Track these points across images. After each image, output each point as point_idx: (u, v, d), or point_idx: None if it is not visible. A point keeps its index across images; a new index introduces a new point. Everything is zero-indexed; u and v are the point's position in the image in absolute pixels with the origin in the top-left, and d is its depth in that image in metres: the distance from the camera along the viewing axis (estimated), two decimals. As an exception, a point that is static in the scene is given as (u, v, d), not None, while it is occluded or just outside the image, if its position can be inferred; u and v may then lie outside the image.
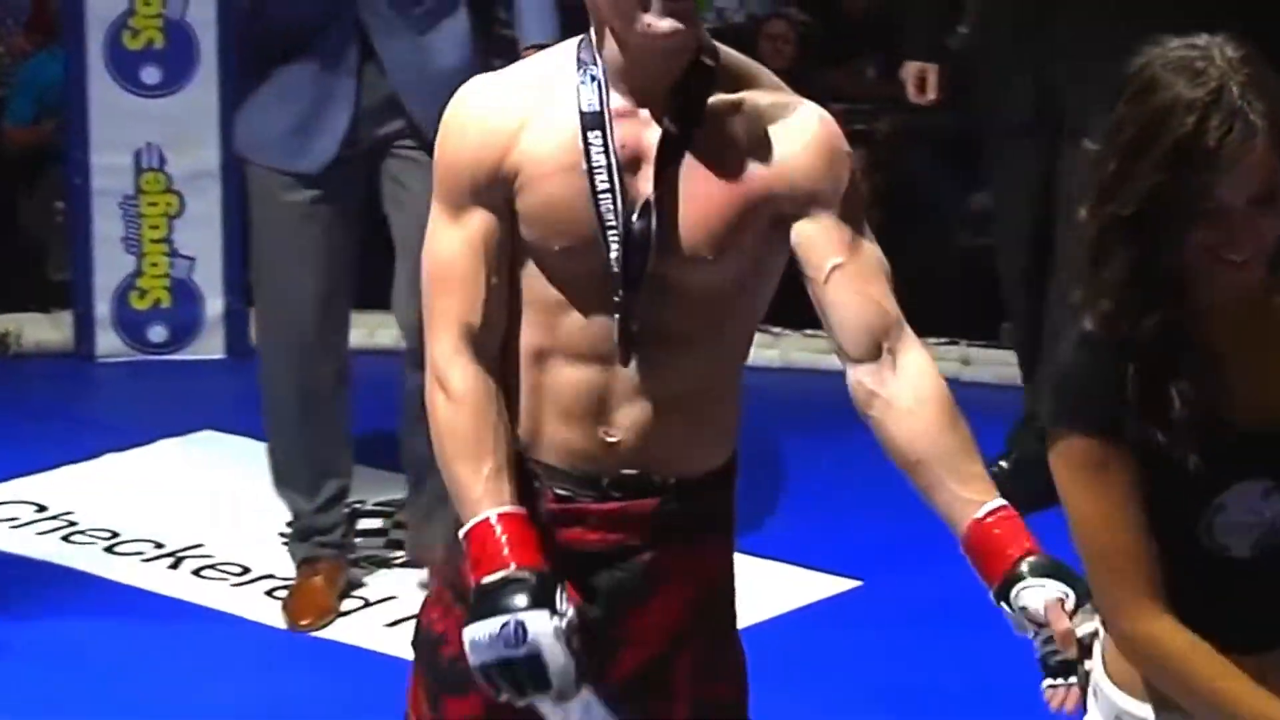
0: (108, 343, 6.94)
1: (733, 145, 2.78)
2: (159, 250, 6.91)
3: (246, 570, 5.25)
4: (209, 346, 6.97)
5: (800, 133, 2.79)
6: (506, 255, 2.79)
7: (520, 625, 2.65)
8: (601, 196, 2.74)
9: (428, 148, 4.52)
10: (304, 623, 4.93)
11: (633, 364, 2.77)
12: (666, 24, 2.72)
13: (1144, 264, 2.36)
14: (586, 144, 2.75)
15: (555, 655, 2.64)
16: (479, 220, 2.80)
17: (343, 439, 5.03)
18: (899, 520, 5.49)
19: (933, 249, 7.34)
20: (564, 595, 2.68)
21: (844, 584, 5.22)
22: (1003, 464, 5.94)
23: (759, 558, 4.97)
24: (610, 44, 2.78)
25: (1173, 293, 2.37)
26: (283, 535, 5.19)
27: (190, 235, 6.92)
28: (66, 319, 7.02)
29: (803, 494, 5.79)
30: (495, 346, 2.80)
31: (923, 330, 7.99)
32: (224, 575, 5.24)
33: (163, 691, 4.62)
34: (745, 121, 2.79)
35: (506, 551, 2.70)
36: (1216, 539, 2.43)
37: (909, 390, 2.78)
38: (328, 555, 5.01)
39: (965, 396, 7.62)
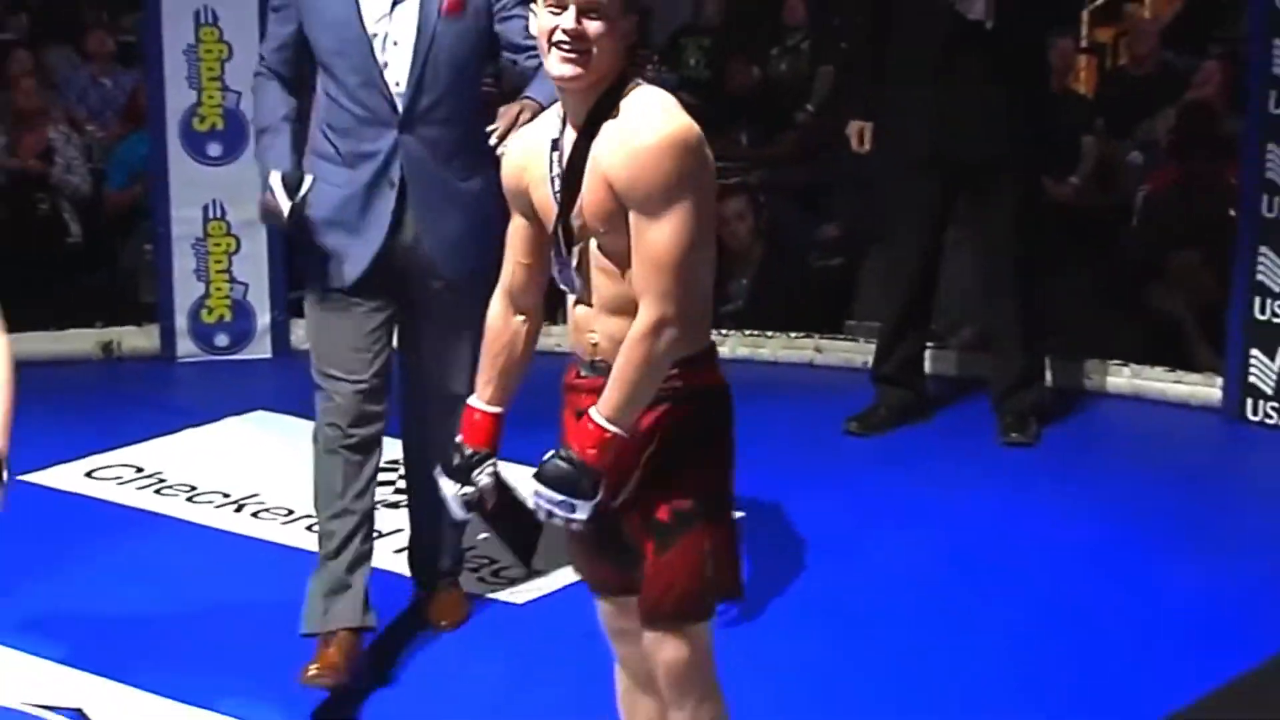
0: (185, 347, 6.92)
1: (606, 152, 2.89)
2: (222, 279, 6.91)
3: (292, 512, 5.22)
4: (260, 349, 6.95)
5: (629, 140, 2.86)
6: (534, 243, 3.10)
7: (436, 480, 3.18)
8: (557, 195, 2.97)
9: (447, 285, 4.09)
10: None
11: (593, 295, 3.01)
12: (558, 70, 2.87)
13: None
14: (551, 162, 2.99)
15: (451, 504, 3.15)
16: (518, 220, 3.12)
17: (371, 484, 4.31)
18: (779, 459, 5.51)
19: (792, 267, 7.38)
20: (486, 473, 3.11)
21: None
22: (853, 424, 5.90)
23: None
24: None
25: None
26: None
27: (245, 267, 6.91)
28: (154, 331, 6.99)
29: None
30: (524, 299, 3.15)
31: (786, 327, 7.98)
32: (275, 516, 5.23)
33: (229, 602, 4.63)
34: (618, 134, 2.88)
35: (467, 432, 3.16)
36: None
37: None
38: None
39: (818, 377, 7.58)
